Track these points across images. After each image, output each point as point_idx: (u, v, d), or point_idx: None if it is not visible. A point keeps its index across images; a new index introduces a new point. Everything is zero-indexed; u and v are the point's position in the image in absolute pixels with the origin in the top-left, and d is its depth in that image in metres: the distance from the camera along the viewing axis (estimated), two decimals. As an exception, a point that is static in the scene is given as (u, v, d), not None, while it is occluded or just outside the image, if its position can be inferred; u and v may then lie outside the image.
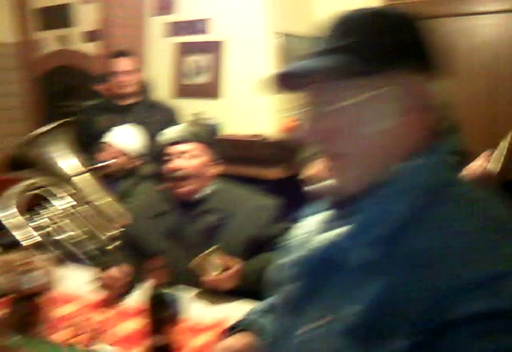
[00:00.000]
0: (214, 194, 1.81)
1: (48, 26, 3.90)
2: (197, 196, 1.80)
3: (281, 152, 2.95)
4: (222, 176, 1.92)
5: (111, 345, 1.33)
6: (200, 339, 1.37)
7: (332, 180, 0.73)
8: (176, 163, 1.77)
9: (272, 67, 3.11)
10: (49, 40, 3.91)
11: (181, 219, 1.80)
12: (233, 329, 1.08)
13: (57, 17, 3.84)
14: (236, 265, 1.56)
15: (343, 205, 0.72)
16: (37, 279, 1.26)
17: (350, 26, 0.68)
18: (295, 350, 0.69)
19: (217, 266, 1.56)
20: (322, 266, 0.69)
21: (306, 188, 0.81)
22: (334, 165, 0.71)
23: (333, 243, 0.68)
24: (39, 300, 1.29)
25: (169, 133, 1.84)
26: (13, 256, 1.36)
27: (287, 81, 0.70)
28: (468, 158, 2.07)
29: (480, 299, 0.54)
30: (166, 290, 1.33)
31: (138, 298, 1.68)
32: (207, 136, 1.86)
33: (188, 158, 1.78)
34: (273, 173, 3.03)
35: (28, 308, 1.30)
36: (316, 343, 0.65)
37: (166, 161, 1.81)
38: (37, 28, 3.97)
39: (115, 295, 1.66)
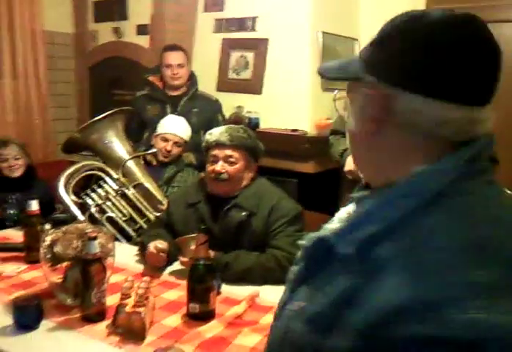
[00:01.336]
0: (245, 194, 1.93)
1: (104, 18, 4.13)
2: (231, 195, 1.93)
3: (317, 147, 3.07)
4: (260, 172, 2.04)
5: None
6: (233, 310, 1.53)
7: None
8: (221, 167, 1.91)
9: (313, 65, 3.23)
10: (104, 32, 4.13)
11: (210, 212, 1.94)
12: None
13: (113, 10, 4.06)
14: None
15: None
16: (98, 247, 1.44)
17: (379, 33, 0.70)
18: (278, 326, 0.75)
19: (190, 252, 1.69)
20: (315, 255, 0.72)
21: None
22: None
23: (324, 236, 0.70)
24: (94, 267, 1.46)
25: (217, 134, 1.95)
26: (82, 225, 1.55)
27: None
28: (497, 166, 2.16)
29: (417, 323, 0.54)
30: (206, 263, 1.51)
31: (176, 271, 1.87)
32: (251, 142, 1.96)
33: (232, 163, 1.92)
34: (309, 167, 3.16)
35: (83, 274, 1.48)
36: (290, 324, 0.70)
37: (212, 162, 1.94)
38: (94, 20, 4.20)
39: (155, 268, 1.85)
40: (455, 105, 0.63)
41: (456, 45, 0.62)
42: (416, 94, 0.63)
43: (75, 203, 2.35)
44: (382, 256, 0.60)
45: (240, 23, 3.42)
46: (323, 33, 3.26)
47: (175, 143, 2.67)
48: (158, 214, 2.36)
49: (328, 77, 0.77)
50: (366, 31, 3.56)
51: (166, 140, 2.66)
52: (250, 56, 3.41)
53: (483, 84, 0.64)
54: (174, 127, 2.71)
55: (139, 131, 3.01)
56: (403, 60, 0.65)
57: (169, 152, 2.65)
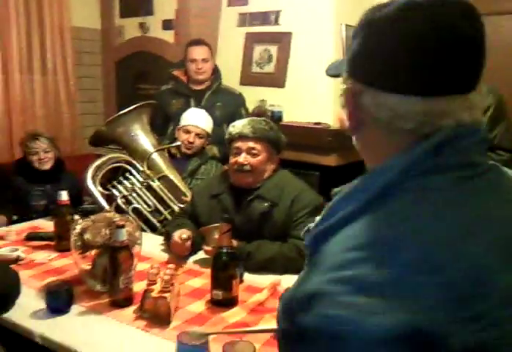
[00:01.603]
0: (267, 185, 1.97)
1: (130, 13, 4.20)
2: (253, 186, 1.98)
3: (339, 140, 3.08)
4: (283, 165, 2.07)
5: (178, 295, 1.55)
6: (256, 297, 1.58)
7: None
8: (244, 158, 1.95)
9: (336, 58, 3.24)
10: (130, 27, 4.20)
11: (233, 203, 1.99)
12: None
13: (138, 6, 4.12)
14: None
15: None
16: (126, 235, 1.49)
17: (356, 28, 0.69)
18: None
19: (214, 241, 1.74)
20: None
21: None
22: None
23: (309, 228, 0.71)
24: (122, 254, 1.52)
25: (240, 127, 1.99)
26: (110, 214, 1.61)
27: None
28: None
29: (303, 313, 0.56)
30: (229, 252, 1.55)
31: (200, 260, 1.92)
32: (273, 135, 2.00)
33: (255, 155, 1.96)
34: (331, 160, 3.17)
35: (111, 261, 1.53)
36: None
37: (235, 154, 1.99)
38: (120, 15, 4.28)
39: (180, 256, 1.91)
40: (414, 97, 0.60)
41: (406, 36, 0.60)
42: (377, 90, 0.63)
43: (103, 195, 2.42)
44: (323, 251, 0.61)
45: (264, 17, 3.44)
46: (347, 26, 3.26)
47: (197, 135, 2.71)
48: (183, 205, 2.42)
49: (327, 73, 0.78)
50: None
51: (188, 132, 2.71)
52: (273, 49, 3.43)
53: (448, 74, 0.60)
54: (195, 119, 2.75)
55: (163, 125, 3.07)
56: (361, 55, 0.64)
57: (191, 143, 2.70)
